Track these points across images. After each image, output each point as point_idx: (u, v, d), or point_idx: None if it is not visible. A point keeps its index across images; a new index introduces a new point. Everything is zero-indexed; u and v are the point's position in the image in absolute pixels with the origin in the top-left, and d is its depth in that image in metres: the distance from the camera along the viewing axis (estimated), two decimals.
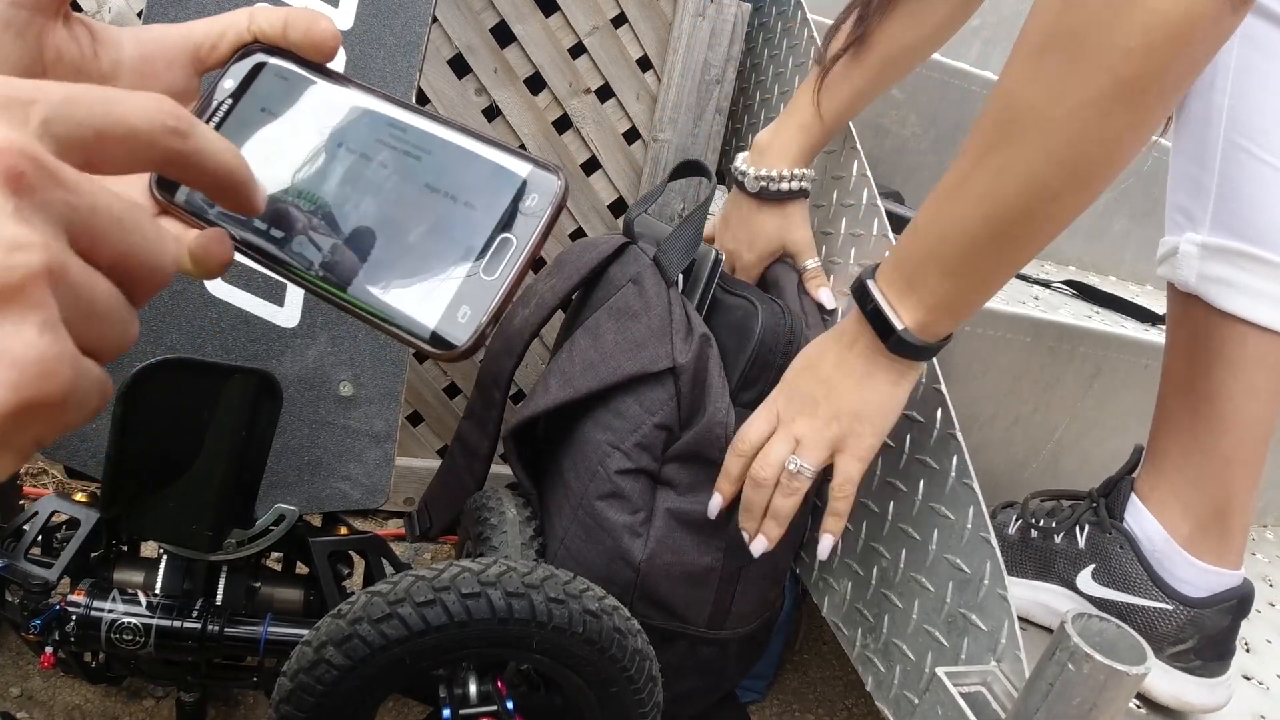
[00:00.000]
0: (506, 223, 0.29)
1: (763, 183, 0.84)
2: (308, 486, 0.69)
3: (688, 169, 0.91)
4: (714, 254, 0.81)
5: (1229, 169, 0.67)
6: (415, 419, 1.23)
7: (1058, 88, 0.50)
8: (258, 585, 0.77)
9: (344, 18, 0.72)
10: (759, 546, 0.69)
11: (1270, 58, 0.64)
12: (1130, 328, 1.06)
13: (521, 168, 0.30)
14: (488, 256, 0.29)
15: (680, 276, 0.80)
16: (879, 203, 0.81)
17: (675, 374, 0.75)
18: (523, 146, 1.13)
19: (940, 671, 0.61)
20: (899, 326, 0.61)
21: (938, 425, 0.70)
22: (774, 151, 0.84)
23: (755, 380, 0.77)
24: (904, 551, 0.72)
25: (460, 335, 0.28)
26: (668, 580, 0.77)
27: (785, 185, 0.84)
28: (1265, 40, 0.64)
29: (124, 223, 0.23)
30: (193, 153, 0.25)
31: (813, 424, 0.65)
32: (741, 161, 0.86)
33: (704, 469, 0.76)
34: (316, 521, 0.81)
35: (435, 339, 0.28)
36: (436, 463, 1.24)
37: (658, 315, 0.77)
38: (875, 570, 0.75)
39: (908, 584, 0.71)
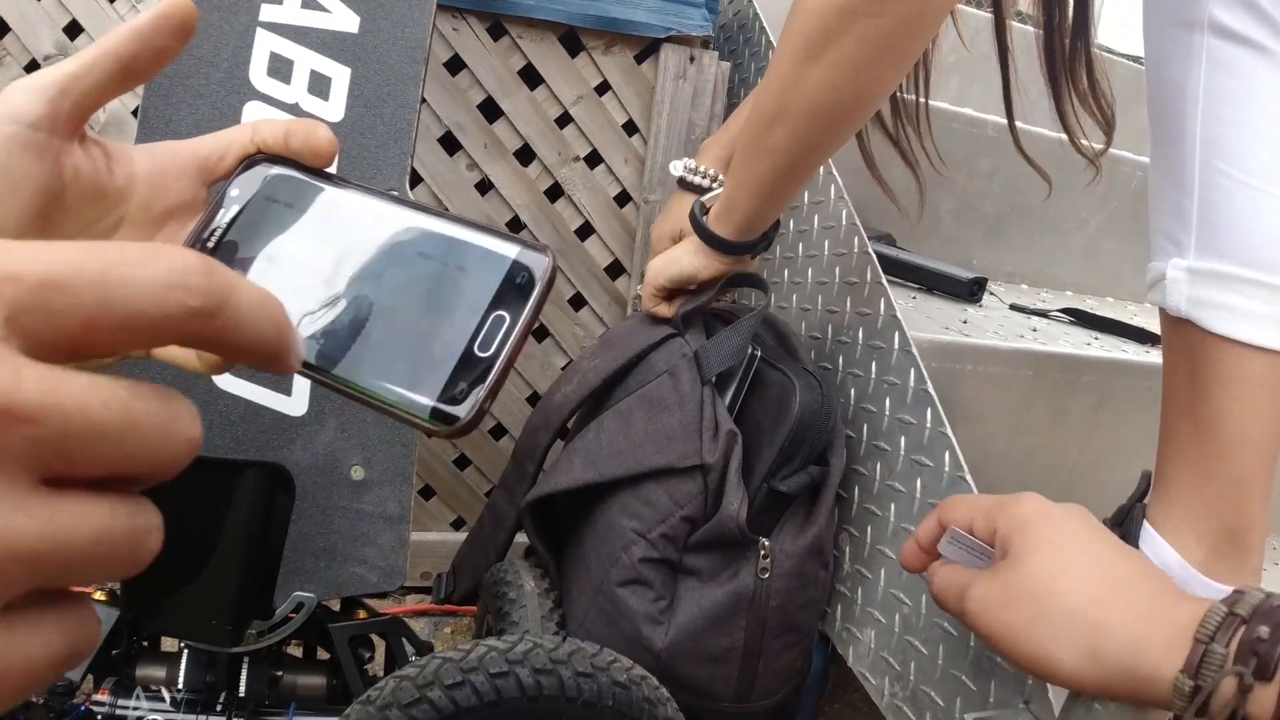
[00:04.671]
0: (499, 301, 0.30)
1: (686, 175, 0.97)
2: (325, 573, 0.70)
3: (743, 280, 0.92)
4: (749, 351, 0.82)
5: (1209, 192, 0.67)
6: (427, 493, 1.23)
7: (780, 42, 0.68)
8: (280, 674, 0.76)
9: (334, 110, 0.74)
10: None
11: (1237, 78, 0.66)
12: (1130, 351, 1.07)
13: (510, 249, 0.31)
14: (483, 334, 0.30)
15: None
16: (870, 250, 0.83)
17: (704, 470, 0.76)
18: (516, 219, 1.15)
19: (969, 717, 0.60)
20: (700, 203, 0.84)
21: (946, 468, 0.70)
22: (707, 153, 0.99)
23: (792, 457, 0.77)
24: (924, 597, 0.72)
25: (460, 411, 0.29)
26: (690, 663, 0.76)
27: (699, 180, 0.96)
28: (1231, 61, 0.65)
29: (109, 434, 0.18)
30: (220, 332, 0.21)
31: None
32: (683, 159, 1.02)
33: (722, 554, 0.76)
34: (335, 606, 0.81)
35: (435, 416, 0.29)
36: (450, 535, 1.24)
37: (690, 412, 0.78)
38: (898, 617, 0.75)
39: (931, 629, 0.71)
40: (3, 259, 0.18)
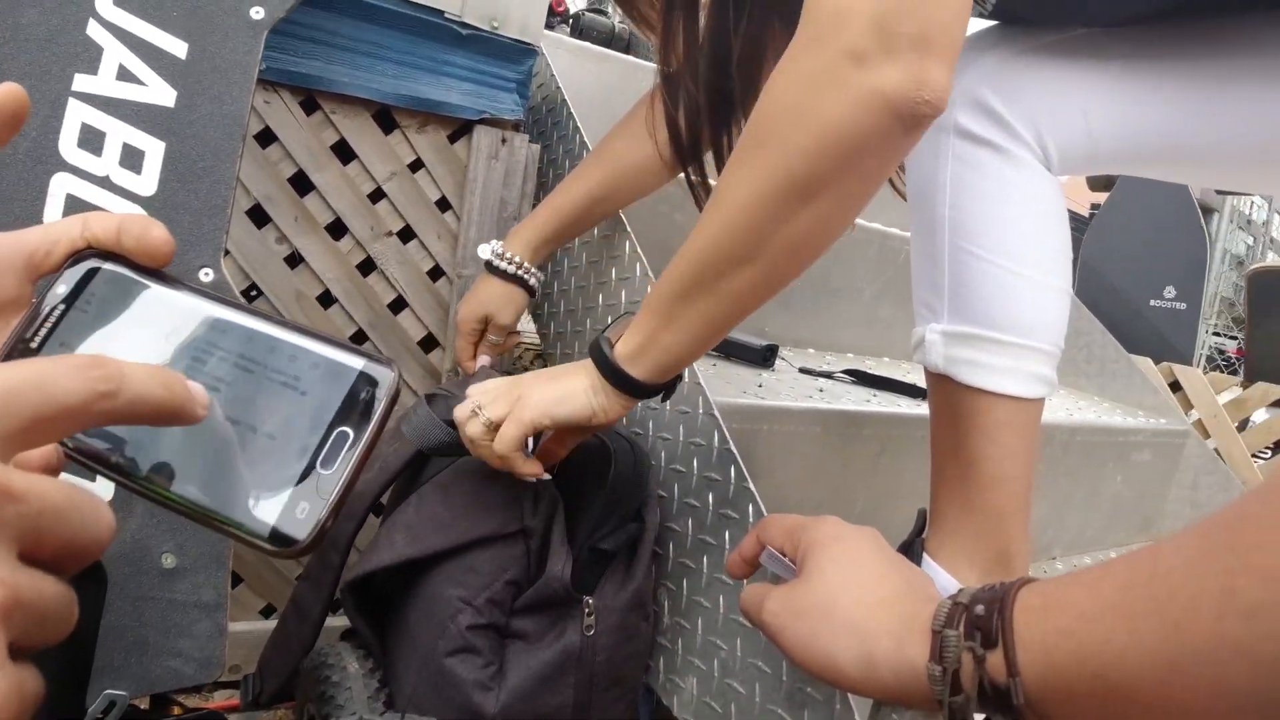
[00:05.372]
0: (342, 417, 0.30)
1: (493, 259, 1.02)
2: (136, 668, 0.66)
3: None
4: None
5: (956, 268, 0.78)
6: (233, 581, 1.17)
7: (748, 177, 0.60)
8: None
9: (146, 184, 0.72)
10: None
11: (978, 174, 0.77)
12: (904, 405, 1.20)
13: (355, 362, 0.31)
14: (325, 451, 0.29)
15: (531, 439, 0.84)
16: None
17: (526, 534, 0.79)
18: (327, 293, 1.14)
19: None
20: (605, 337, 0.71)
21: (751, 520, 0.77)
22: (515, 238, 1.03)
23: (610, 517, 0.81)
24: (739, 640, 0.77)
25: (300, 531, 0.28)
26: None
27: (504, 265, 1.02)
28: (973, 159, 0.76)
29: (66, 515, 0.23)
30: (125, 406, 0.25)
31: (502, 392, 0.73)
32: (493, 240, 1.05)
33: (548, 615, 0.79)
34: (144, 704, 0.76)
35: (275, 537, 0.28)
36: (259, 624, 1.18)
37: (509, 479, 0.79)
38: (716, 662, 0.80)
39: (747, 670, 0.76)
40: None
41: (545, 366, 1.22)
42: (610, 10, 2.14)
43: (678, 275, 0.66)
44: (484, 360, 1.05)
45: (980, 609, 0.46)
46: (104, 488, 0.68)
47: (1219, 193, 4.54)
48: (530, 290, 1.05)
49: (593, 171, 1.03)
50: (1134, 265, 4.23)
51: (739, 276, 0.63)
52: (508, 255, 1.02)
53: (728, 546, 0.79)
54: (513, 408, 0.71)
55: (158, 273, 0.34)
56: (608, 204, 1.04)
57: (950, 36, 0.55)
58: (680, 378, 0.74)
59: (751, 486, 0.77)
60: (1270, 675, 0.33)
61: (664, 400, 0.76)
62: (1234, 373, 3.81)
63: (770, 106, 0.59)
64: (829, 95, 0.55)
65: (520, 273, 1.03)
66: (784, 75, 0.59)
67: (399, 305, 1.20)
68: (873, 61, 0.54)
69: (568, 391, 0.71)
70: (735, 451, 0.80)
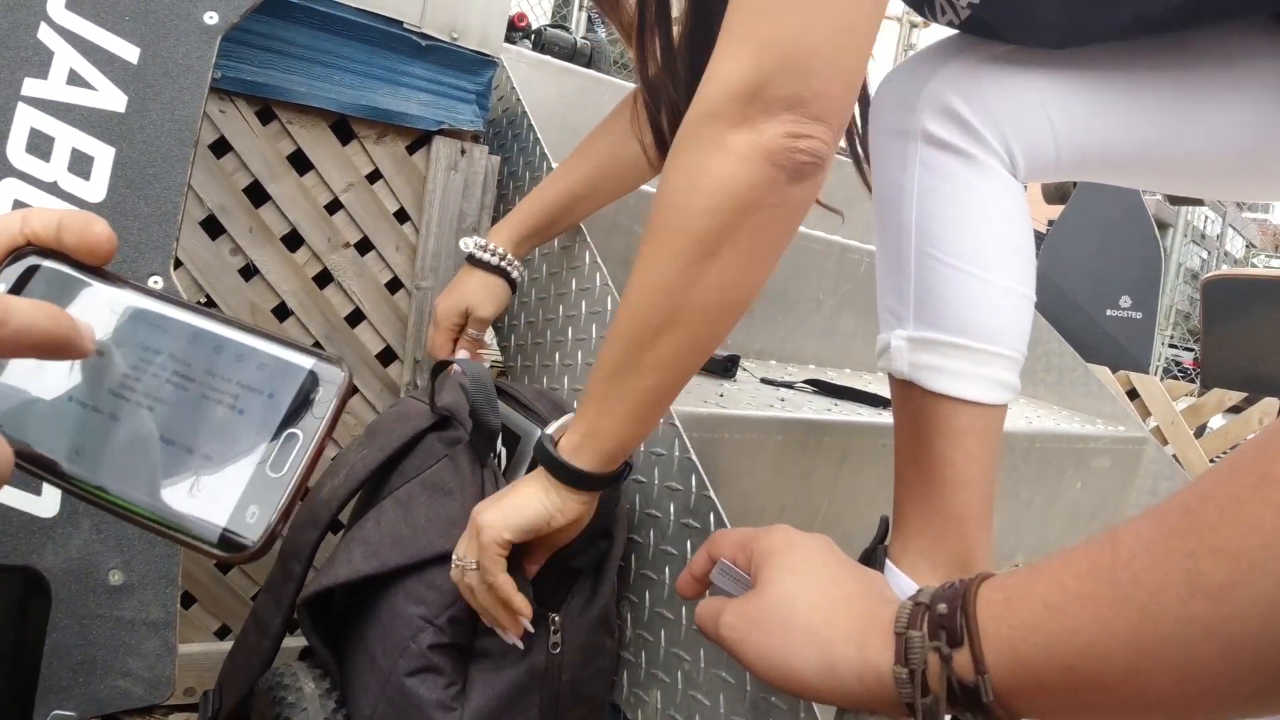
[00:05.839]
0: (292, 418, 0.29)
1: (476, 251, 1.01)
2: (84, 688, 0.64)
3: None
4: (537, 434, 0.83)
5: (922, 273, 0.79)
6: (187, 600, 1.14)
7: (655, 242, 0.63)
8: None
9: (95, 190, 0.71)
10: (508, 639, 0.74)
11: (943, 178, 0.77)
12: (865, 414, 1.20)
13: (304, 361, 0.30)
14: (274, 453, 0.29)
15: (504, 451, 0.82)
16: None
17: None
18: (283, 305, 1.13)
19: None
20: (548, 434, 0.69)
21: (712, 528, 0.76)
22: (498, 233, 1.03)
23: (579, 535, 0.80)
24: (702, 651, 0.77)
25: (250, 536, 0.28)
26: None
27: (487, 257, 1.01)
28: (940, 165, 0.77)
29: None
30: (11, 336, 0.26)
31: (465, 537, 0.72)
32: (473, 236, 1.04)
33: None
34: None
35: (224, 542, 0.28)
36: (214, 645, 1.15)
37: (472, 495, 0.78)
38: (680, 674, 0.79)
39: (711, 681, 0.75)
40: None
41: (509, 380, 1.21)
42: (572, 26, 2.16)
43: (606, 358, 0.66)
44: (463, 354, 1.04)
45: (943, 607, 0.45)
46: (51, 497, 0.66)
47: (1173, 203, 4.64)
48: (512, 283, 1.04)
49: (577, 168, 1.04)
50: (1090, 275, 4.31)
51: (661, 345, 0.64)
52: (490, 247, 1.02)
53: (689, 556, 0.79)
54: (477, 538, 0.70)
55: (100, 271, 0.33)
56: (590, 201, 1.04)
57: (827, 101, 0.58)
58: (630, 465, 0.73)
59: (713, 495, 0.77)
60: (1239, 655, 0.33)
61: (614, 488, 0.74)
62: (1192, 382, 3.90)
63: (669, 178, 0.63)
64: (714, 156, 0.59)
65: (504, 264, 1.02)
66: (679, 147, 0.62)
67: (356, 318, 1.19)
68: (752, 122, 0.58)
69: (520, 500, 0.70)
70: (696, 460, 0.80)
